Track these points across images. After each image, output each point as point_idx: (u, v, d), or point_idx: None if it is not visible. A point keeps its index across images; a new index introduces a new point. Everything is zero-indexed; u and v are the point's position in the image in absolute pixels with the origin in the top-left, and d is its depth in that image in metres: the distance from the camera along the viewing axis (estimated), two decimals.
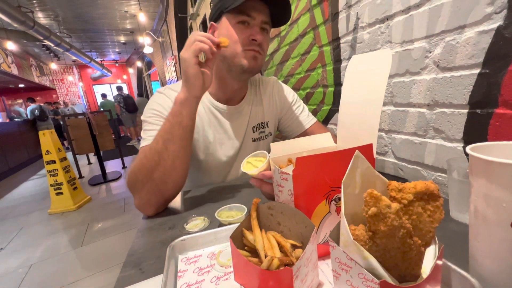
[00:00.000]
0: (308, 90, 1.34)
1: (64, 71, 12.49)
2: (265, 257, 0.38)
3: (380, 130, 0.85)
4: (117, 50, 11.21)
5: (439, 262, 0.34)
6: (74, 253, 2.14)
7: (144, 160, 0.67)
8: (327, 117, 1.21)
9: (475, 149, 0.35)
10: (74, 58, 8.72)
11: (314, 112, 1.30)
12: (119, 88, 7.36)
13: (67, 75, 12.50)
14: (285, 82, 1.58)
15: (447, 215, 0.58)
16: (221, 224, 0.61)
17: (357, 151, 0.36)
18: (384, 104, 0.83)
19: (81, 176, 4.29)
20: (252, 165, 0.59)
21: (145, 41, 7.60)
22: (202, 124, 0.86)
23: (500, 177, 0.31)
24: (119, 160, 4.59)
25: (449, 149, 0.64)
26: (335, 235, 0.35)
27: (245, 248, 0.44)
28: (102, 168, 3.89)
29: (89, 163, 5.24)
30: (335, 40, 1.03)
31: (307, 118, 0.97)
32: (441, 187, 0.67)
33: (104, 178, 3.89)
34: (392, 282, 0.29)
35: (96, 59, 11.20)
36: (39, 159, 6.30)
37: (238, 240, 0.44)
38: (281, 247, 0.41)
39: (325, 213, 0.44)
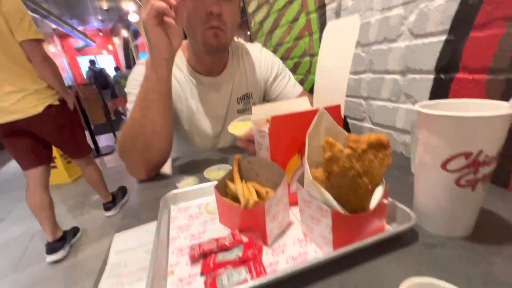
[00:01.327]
0: (295, 60, 1.35)
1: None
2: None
3: (359, 97, 0.90)
4: (99, 17, 10.46)
5: (385, 201, 0.42)
6: (75, 222, 2.24)
7: (126, 131, 0.68)
8: (313, 86, 1.24)
9: (424, 106, 0.40)
10: (54, 26, 8.13)
11: (302, 82, 1.33)
12: (92, 62, 6.87)
13: (47, 45, 11.76)
14: (274, 51, 1.57)
15: (408, 170, 0.65)
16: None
17: (321, 108, 0.41)
18: (364, 71, 0.87)
19: None
20: (239, 128, 0.64)
21: (130, 8, 7.12)
22: (184, 93, 0.88)
23: (435, 127, 0.37)
24: (111, 134, 4.57)
25: (415, 112, 0.70)
26: (302, 180, 0.42)
27: (228, 196, 0.51)
28: (95, 143, 3.89)
29: None
30: (321, 7, 1.03)
31: (293, 88, 0.97)
32: (407, 147, 0.75)
33: (97, 152, 3.90)
34: (341, 211, 0.37)
35: (78, 28, 10.48)
36: None
37: (222, 190, 0.50)
38: (258, 194, 0.48)
39: (297, 165, 0.51)
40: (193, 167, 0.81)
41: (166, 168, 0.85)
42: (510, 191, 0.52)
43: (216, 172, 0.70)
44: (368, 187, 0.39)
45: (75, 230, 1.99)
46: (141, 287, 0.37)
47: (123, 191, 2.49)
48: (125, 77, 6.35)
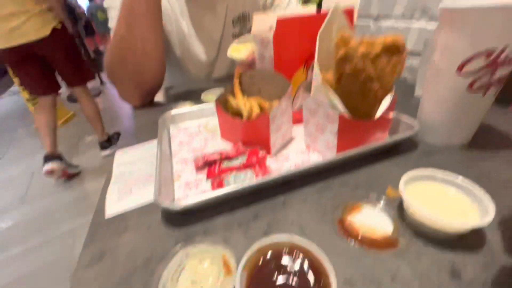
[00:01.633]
0: None
1: None
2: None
3: (368, 17, 0.82)
4: None
5: (391, 111, 0.41)
6: (72, 161, 2.27)
7: (114, 51, 0.62)
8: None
9: (449, 3, 0.36)
10: None
11: None
12: None
13: None
14: None
15: (411, 95, 0.64)
16: None
17: (336, 4, 0.36)
18: None
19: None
20: (239, 51, 0.58)
21: None
22: (174, 14, 0.78)
23: (460, 23, 0.33)
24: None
25: (429, 33, 0.65)
26: (308, 88, 0.40)
27: (229, 113, 0.49)
28: None
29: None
30: None
31: (295, 7, 0.89)
32: (412, 72, 0.72)
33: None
34: (348, 116, 0.36)
35: None
36: (4, 75, 5.73)
37: (223, 106, 0.48)
38: (261, 108, 0.46)
39: (303, 79, 0.48)
40: (188, 95, 0.78)
41: (160, 97, 0.81)
42: (510, 111, 0.52)
43: (213, 95, 0.67)
44: (377, 93, 0.37)
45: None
46: (147, 191, 0.38)
47: (118, 135, 2.48)
48: (103, 9, 5.52)
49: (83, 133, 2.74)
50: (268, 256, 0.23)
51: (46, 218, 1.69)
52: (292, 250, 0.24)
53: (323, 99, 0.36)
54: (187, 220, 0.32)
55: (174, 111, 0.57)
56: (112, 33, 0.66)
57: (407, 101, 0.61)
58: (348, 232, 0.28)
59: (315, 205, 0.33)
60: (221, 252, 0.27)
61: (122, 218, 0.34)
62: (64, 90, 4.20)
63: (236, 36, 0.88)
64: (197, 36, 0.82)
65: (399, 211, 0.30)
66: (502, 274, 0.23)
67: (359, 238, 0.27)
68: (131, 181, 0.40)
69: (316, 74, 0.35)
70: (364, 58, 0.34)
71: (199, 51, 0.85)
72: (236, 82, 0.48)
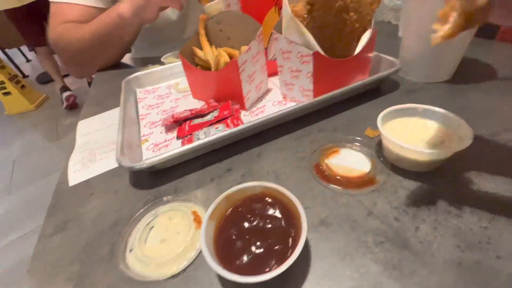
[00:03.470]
0: None
1: None
2: None
3: None
4: None
5: (371, 49, 0.37)
6: (54, 145, 2.18)
7: (66, 39, 0.60)
8: None
9: None
10: None
11: None
12: None
13: None
14: None
15: (395, 37, 0.60)
16: None
17: None
18: None
19: (24, 75, 3.75)
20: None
21: None
22: None
23: None
24: None
25: None
26: (279, 29, 0.36)
27: (198, 67, 0.45)
28: None
29: (28, 60, 4.47)
30: None
31: None
32: (396, 13, 0.67)
33: None
34: (323, 54, 0.32)
35: None
36: None
37: (189, 60, 0.44)
38: (231, 58, 0.42)
39: (276, 22, 0.43)
40: (156, 58, 0.71)
41: (127, 59, 0.74)
42: (497, 40, 0.49)
43: (177, 58, 0.61)
44: (355, 25, 0.34)
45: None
46: (114, 155, 0.35)
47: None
48: None
49: (60, 116, 2.60)
50: (238, 204, 0.22)
51: (35, 204, 1.66)
52: (263, 196, 0.22)
53: (294, 37, 0.32)
54: (156, 180, 0.30)
55: (139, 73, 0.51)
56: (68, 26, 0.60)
57: (391, 43, 0.57)
58: (325, 175, 0.27)
59: (292, 152, 0.31)
60: (192, 208, 0.26)
61: (87, 185, 0.32)
62: (31, 73, 3.89)
63: None
64: None
65: (377, 148, 0.29)
66: (477, 200, 0.23)
67: (336, 179, 0.26)
68: (96, 148, 0.37)
69: (286, 6, 0.31)
70: None
71: (169, 9, 0.76)
72: (201, 31, 0.43)
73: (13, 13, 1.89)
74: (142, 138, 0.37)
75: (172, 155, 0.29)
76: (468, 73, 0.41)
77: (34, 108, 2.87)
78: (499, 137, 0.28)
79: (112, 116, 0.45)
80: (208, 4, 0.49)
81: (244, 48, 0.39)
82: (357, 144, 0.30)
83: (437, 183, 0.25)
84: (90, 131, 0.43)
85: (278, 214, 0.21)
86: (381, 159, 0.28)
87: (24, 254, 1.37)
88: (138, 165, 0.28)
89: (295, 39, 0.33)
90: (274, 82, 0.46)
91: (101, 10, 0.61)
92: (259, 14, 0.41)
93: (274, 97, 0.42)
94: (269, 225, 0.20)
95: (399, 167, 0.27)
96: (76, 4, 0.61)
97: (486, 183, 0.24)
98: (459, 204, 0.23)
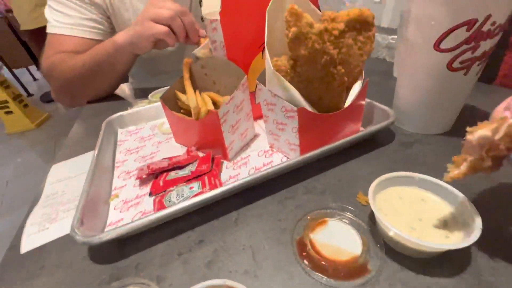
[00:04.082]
0: None
1: None
2: None
3: None
4: None
5: (362, 100, 0.35)
6: (49, 167, 2.15)
7: (59, 68, 0.60)
8: None
9: None
10: None
11: None
12: None
13: None
14: None
15: (390, 75, 0.59)
16: None
17: None
18: None
19: (29, 94, 3.83)
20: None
21: None
22: None
23: None
24: None
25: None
26: (263, 79, 0.33)
27: (182, 111, 0.42)
28: None
29: (35, 79, 4.59)
30: None
31: None
32: (390, 51, 0.66)
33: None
34: (309, 109, 0.30)
35: None
36: None
37: (173, 103, 0.42)
38: (215, 104, 0.39)
39: (263, 68, 0.41)
40: (150, 91, 0.70)
41: (120, 91, 0.73)
42: (496, 85, 0.47)
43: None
44: (343, 79, 0.31)
45: None
46: None
47: None
48: None
49: (59, 135, 2.60)
50: None
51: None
52: None
53: (278, 91, 0.30)
54: (118, 252, 0.26)
55: (123, 112, 0.49)
56: (51, 30, 0.59)
57: (386, 82, 0.56)
58: (309, 257, 0.23)
59: (273, 220, 0.27)
60: None
61: (40, 253, 0.28)
62: (37, 92, 3.97)
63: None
64: None
65: (370, 222, 0.25)
66: None
67: (321, 264, 0.22)
68: (61, 203, 0.34)
69: (267, 61, 0.29)
70: (324, 37, 0.27)
71: None
72: (185, 75, 0.41)
73: (34, 34, 2.06)
74: (112, 193, 0.34)
75: (135, 227, 0.25)
76: (468, 123, 0.38)
77: (35, 127, 2.89)
78: None
79: (88, 160, 0.42)
80: (197, 49, 0.48)
81: (227, 98, 0.36)
82: (347, 214, 0.26)
83: (441, 273, 0.21)
84: (61, 178, 0.39)
85: None
86: (374, 237, 0.24)
87: None
88: (95, 240, 0.24)
89: (278, 93, 0.30)
90: (262, 126, 0.44)
91: (98, 42, 0.61)
92: (245, 59, 0.39)
93: (260, 145, 0.39)
94: None
95: (395, 250, 0.23)
96: (73, 36, 0.61)
97: (501, 276, 0.20)
98: None
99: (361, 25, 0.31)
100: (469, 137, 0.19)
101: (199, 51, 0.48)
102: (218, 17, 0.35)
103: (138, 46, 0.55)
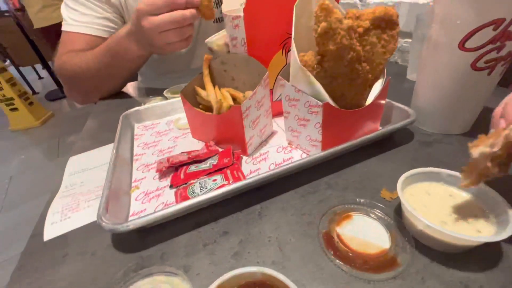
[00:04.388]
0: None
1: None
2: None
3: None
4: None
5: (383, 98, 0.35)
6: (53, 164, 2.15)
7: (75, 66, 0.60)
8: None
9: None
10: None
11: None
12: None
13: None
14: None
15: (403, 78, 0.59)
16: None
17: None
18: None
19: (34, 92, 3.85)
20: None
21: None
22: None
23: None
24: None
25: (421, 7, 0.59)
26: (286, 75, 0.34)
27: (200, 106, 0.43)
28: (57, 81, 3.46)
29: (40, 77, 4.62)
30: None
31: None
32: (403, 55, 0.67)
33: (62, 91, 3.53)
34: (334, 105, 0.30)
35: None
36: None
37: (191, 99, 0.42)
38: (235, 100, 0.40)
39: (282, 65, 0.41)
40: (161, 89, 0.70)
41: (130, 89, 0.73)
42: (511, 89, 0.48)
43: (179, 91, 0.60)
44: (367, 76, 0.32)
45: None
46: (97, 206, 0.31)
47: None
48: None
49: (63, 133, 2.61)
50: None
51: (24, 225, 1.59)
52: (261, 285, 0.18)
53: (302, 86, 0.30)
54: (141, 241, 0.26)
55: (139, 107, 0.50)
56: (66, 28, 0.60)
57: (399, 84, 0.56)
58: (336, 250, 0.23)
59: (297, 214, 0.27)
60: (178, 286, 0.21)
61: (63, 241, 0.28)
62: (42, 90, 3.99)
63: (216, 20, 0.80)
64: None
65: (396, 217, 0.25)
66: None
67: (350, 256, 0.22)
68: (81, 194, 0.34)
69: (294, 55, 0.29)
70: (351, 33, 0.27)
71: None
72: (205, 72, 0.41)
73: (46, 30, 2.09)
74: (133, 185, 0.34)
75: (161, 216, 0.25)
76: (486, 124, 0.38)
77: (39, 124, 2.90)
78: None
79: (105, 153, 0.42)
80: (210, 39, 0.48)
81: (248, 93, 0.37)
82: (372, 209, 0.26)
83: (473, 268, 0.21)
84: (78, 169, 0.40)
85: None
86: (402, 230, 0.24)
87: (1, 284, 1.28)
88: (121, 227, 0.24)
89: (303, 88, 0.30)
90: (278, 124, 0.44)
91: None
92: (265, 56, 0.39)
93: (279, 142, 0.39)
94: None
95: (424, 244, 0.23)
96: (85, 34, 0.62)
97: None
98: None
99: (386, 24, 0.31)
100: (471, 151, 0.20)
101: (213, 43, 0.47)
102: (241, 14, 0.36)
103: (155, 51, 0.56)
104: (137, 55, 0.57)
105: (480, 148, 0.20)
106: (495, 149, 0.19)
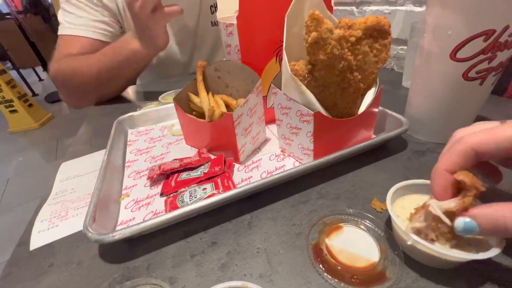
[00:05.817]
0: None
1: None
2: None
3: (351, 4, 0.76)
4: None
5: (375, 107, 0.35)
6: (51, 166, 2.15)
7: (73, 69, 0.60)
8: None
9: None
10: None
11: None
12: None
13: None
14: None
15: (399, 85, 0.59)
16: None
17: None
18: None
19: (34, 94, 3.86)
20: None
21: None
22: None
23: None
24: None
25: (417, 14, 0.59)
26: (279, 83, 0.34)
27: (193, 113, 0.43)
28: None
29: (40, 79, 4.63)
30: None
31: None
32: (399, 61, 0.67)
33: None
34: (325, 113, 0.30)
35: None
36: None
37: (185, 105, 0.42)
38: (228, 106, 0.40)
39: (276, 72, 0.41)
40: (158, 94, 0.70)
41: (128, 93, 0.73)
42: (506, 97, 0.47)
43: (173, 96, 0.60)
44: (359, 85, 0.31)
45: None
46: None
47: None
48: None
49: (62, 135, 2.61)
50: None
51: (17, 229, 1.58)
52: None
53: (294, 95, 0.30)
54: (129, 251, 0.26)
55: (133, 113, 0.49)
56: (62, 31, 0.60)
57: (395, 91, 0.56)
58: (325, 263, 0.23)
59: (287, 224, 0.27)
60: None
61: (49, 250, 0.27)
62: (42, 92, 4.00)
63: (215, 24, 0.80)
64: (170, 24, 0.74)
65: (387, 229, 0.25)
66: None
67: (338, 270, 0.22)
68: (70, 201, 0.34)
69: (285, 64, 0.29)
70: (342, 43, 0.27)
71: (173, 40, 0.77)
72: (199, 78, 0.41)
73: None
74: (123, 192, 0.33)
75: (148, 227, 0.25)
76: None
77: (38, 126, 2.90)
78: None
79: (98, 159, 0.42)
80: None
81: (241, 100, 0.37)
82: (362, 220, 0.26)
83: (464, 285, 0.20)
84: (70, 175, 0.39)
85: None
86: (392, 244, 0.24)
87: None
88: (107, 238, 0.24)
89: (294, 97, 0.30)
90: (272, 131, 0.44)
91: (105, 44, 0.62)
92: (259, 64, 0.39)
93: (272, 149, 0.39)
94: None
95: (414, 259, 0.22)
96: (81, 36, 0.62)
97: None
98: None
99: (378, 33, 0.31)
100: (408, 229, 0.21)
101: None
102: (235, 22, 0.36)
103: (158, 45, 0.57)
104: (142, 55, 0.57)
105: (411, 223, 0.21)
106: (424, 223, 0.20)
